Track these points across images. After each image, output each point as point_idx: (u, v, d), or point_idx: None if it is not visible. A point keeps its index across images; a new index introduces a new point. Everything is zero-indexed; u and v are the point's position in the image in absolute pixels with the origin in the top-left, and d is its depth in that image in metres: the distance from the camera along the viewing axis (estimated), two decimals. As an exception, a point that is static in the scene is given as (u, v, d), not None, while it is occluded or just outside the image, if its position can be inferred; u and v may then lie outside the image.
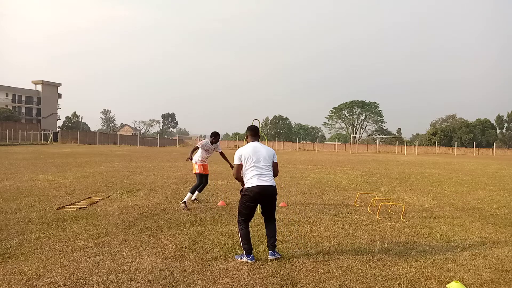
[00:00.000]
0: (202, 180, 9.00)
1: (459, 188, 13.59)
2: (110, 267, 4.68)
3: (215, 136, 9.00)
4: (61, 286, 4.12)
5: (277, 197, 5.37)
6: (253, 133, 5.41)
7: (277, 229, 6.61)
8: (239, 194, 5.34)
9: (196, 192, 8.99)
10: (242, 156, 5.18)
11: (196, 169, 9.05)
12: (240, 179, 5.28)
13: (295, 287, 4.27)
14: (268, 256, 5.09)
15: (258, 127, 6.92)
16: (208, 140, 9.06)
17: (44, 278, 4.29)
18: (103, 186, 11.49)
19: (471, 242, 6.24)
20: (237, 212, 5.42)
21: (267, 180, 5.13)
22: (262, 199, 5.16)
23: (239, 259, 5.03)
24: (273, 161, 5.28)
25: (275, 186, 5.22)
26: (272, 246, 5.14)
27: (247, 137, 5.46)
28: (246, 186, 5.15)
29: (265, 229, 5.37)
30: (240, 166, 5.19)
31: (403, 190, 12.53)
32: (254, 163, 5.12)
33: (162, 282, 4.29)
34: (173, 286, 4.21)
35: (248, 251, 5.02)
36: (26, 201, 8.83)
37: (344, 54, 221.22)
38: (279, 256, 5.12)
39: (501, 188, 13.71)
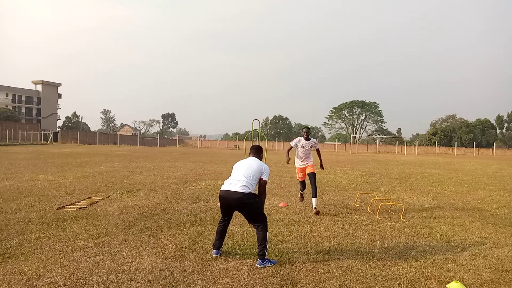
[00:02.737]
0: (305, 185, 8.86)
1: (459, 188, 13.59)
2: (110, 267, 4.67)
3: (306, 131, 8.77)
4: (61, 286, 4.12)
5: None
6: (253, 151, 5.54)
7: (276, 229, 6.64)
8: None
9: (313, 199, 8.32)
10: (234, 166, 5.44)
11: (297, 175, 8.93)
12: None
13: (295, 287, 4.27)
14: (256, 264, 4.89)
15: (258, 128, 6.86)
16: (301, 137, 8.76)
17: (44, 278, 4.29)
18: (103, 186, 11.48)
19: (471, 242, 6.24)
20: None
21: (234, 186, 5.03)
22: (229, 204, 5.11)
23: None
24: (261, 178, 5.20)
25: (244, 193, 4.95)
26: (259, 254, 4.92)
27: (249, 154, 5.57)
28: None
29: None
30: None
31: (403, 190, 12.53)
32: (234, 171, 5.29)
33: (162, 282, 4.29)
34: (173, 286, 4.21)
35: (214, 245, 5.27)
36: (26, 201, 8.83)
37: (344, 54, 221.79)
38: (271, 265, 4.87)
39: (501, 188, 13.71)
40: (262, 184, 5.25)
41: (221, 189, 5.22)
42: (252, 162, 5.30)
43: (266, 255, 4.94)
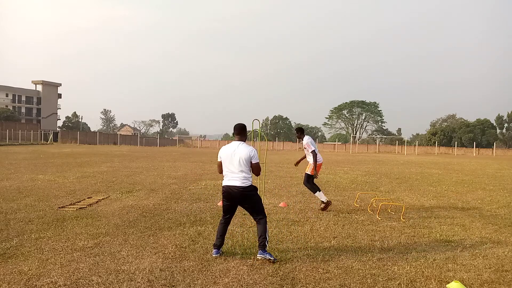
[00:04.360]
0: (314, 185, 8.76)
1: (459, 188, 13.59)
2: (110, 267, 4.67)
3: (296, 132, 8.91)
4: (61, 286, 4.12)
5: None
6: (237, 132, 5.39)
7: (276, 229, 6.63)
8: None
9: (318, 192, 8.61)
10: (221, 155, 5.34)
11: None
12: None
13: (295, 287, 4.27)
14: (257, 256, 5.04)
15: (258, 128, 6.80)
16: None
17: (44, 278, 4.29)
18: (103, 186, 11.48)
19: (471, 242, 6.24)
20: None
21: (236, 180, 5.16)
22: (233, 199, 5.22)
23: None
24: (251, 162, 5.23)
25: (246, 186, 5.15)
26: (260, 245, 5.07)
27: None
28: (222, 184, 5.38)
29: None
30: (219, 163, 5.41)
31: (403, 190, 12.52)
32: (228, 163, 5.25)
33: (162, 282, 4.28)
34: (173, 286, 4.21)
35: (215, 245, 5.24)
36: (26, 201, 8.83)
37: (344, 54, 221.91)
38: (271, 258, 4.97)
39: (501, 188, 13.71)
40: (255, 167, 5.29)
41: (223, 184, 5.28)
42: (241, 152, 5.19)
43: (266, 246, 5.08)
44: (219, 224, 5.38)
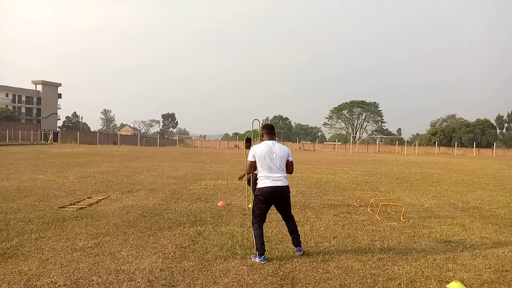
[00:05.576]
0: None
1: (459, 188, 13.59)
2: (110, 267, 4.67)
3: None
4: (61, 286, 4.12)
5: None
6: (269, 131, 5.35)
7: (276, 229, 6.64)
8: (253, 194, 5.45)
9: None
10: (256, 154, 5.18)
11: None
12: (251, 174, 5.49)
13: (295, 287, 4.27)
14: (296, 253, 5.25)
15: (258, 128, 6.81)
16: None
17: (44, 278, 4.29)
18: (103, 186, 11.48)
19: (471, 242, 6.24)
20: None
21: (279, 180, 5.14)
22: (274, 200, 5.19)
23: (253, 259, 5.04)
24: (288, 160, 5.29)
25: (287, 186, 5.24)
26: (298, 243, 5.27)
27: (262, 135, 5.45)
28: (258, 186, 5.20)
29: (286, 228, 5.49)
30: (253, 163, 5.21)
31: (403, 190, 12.52)
32: (267, 163, 5.13)
33: (162, 282, 4.28)
34: (173, 286, 4.20)
35: (261, 252, 5.02)
36: (26, 201, 8.83)
37: (344, 55, 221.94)
38: (301, 252, 5.28)
39: (501, 188, 13.71)
40: (290, 164, 5.38)
41: (264, 186, 5.11)
42: (280, 150, 5.21)
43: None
44: (256, 230, 5.14)
